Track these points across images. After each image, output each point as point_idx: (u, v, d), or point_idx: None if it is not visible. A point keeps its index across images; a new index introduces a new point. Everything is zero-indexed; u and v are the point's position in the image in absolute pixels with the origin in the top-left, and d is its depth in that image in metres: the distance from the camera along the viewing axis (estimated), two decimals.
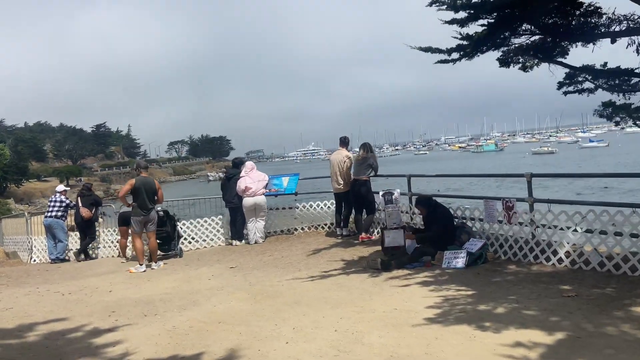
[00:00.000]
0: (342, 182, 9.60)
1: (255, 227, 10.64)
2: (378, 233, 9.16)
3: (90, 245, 11.53)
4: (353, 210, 9.60)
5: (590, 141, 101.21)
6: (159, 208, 10.37)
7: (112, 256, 11.36)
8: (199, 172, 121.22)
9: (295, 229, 11.04)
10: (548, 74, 6.77)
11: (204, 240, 11.25)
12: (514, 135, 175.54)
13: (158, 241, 10.26)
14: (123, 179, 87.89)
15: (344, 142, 9.94)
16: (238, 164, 11.17)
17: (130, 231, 9.78)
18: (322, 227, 10.89)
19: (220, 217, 11.33)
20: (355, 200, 9.26)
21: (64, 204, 11.70)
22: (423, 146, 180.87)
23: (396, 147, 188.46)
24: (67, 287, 7.95)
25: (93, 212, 11.40)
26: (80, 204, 11.33)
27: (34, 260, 12.19)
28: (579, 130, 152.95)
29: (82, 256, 11.27)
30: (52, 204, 11.71)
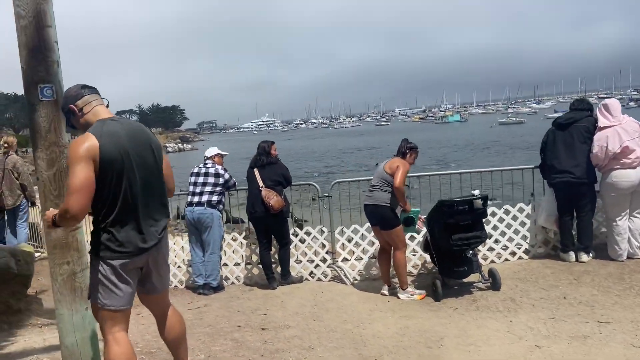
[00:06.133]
0: None
1: (632, 228, 5.42)
2: None
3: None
4: None
5: (556, 112, 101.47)
6: (477, 192, 5.00)
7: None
8: None
9: None
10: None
11: (490, 250, 5.95)
12: (465, 107, 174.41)
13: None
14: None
15: None
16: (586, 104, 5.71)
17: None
18: None
19: (531, 200, 5.99)
20: None
21: (221, 181, 5.94)
22: (382, 117, 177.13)
23: (353, 119, 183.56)
24: None
25: (284, 197, 5.73)
26: (259, 181, 5.60)
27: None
28: (532, 102, 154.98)
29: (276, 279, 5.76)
30: (198, 179, 5.92)
